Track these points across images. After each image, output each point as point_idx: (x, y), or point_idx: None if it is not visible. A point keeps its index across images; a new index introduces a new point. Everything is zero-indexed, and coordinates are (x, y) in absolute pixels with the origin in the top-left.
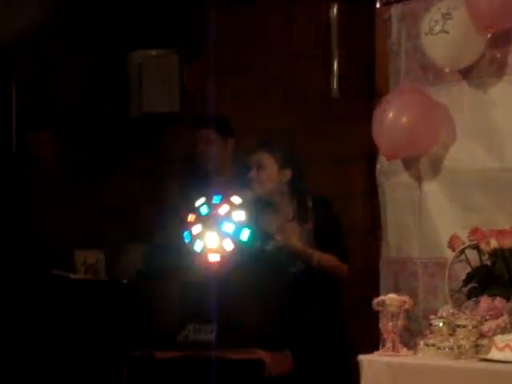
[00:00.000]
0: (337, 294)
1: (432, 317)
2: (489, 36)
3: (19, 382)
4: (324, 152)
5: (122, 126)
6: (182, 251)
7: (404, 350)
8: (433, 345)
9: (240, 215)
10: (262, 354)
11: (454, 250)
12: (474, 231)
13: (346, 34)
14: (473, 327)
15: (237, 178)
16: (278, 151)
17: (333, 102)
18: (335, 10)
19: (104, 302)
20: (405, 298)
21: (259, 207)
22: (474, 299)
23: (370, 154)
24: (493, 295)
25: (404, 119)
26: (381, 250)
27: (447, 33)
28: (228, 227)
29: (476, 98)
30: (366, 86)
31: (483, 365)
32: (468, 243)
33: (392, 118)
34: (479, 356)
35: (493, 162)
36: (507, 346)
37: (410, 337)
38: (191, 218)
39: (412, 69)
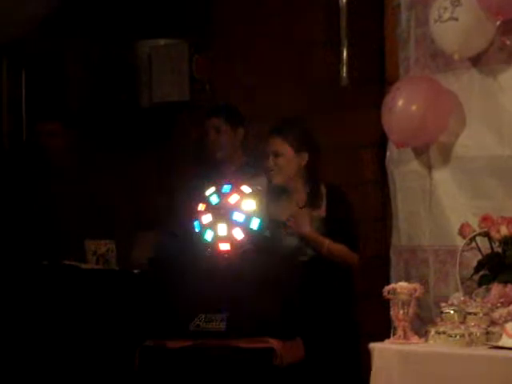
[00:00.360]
0: (347, 282)
1: (443, 304)
2: (498, 23)
3: (31, 373)
4: (334, 140)
5: (132, 116)
6: (193, 240)
7: (415, 338)
8: (444, 332)
9: (250, 204)
10: (273, 343)
11: (464, 238)
12: (485, 218)
13: (355, 21)
14: (484, 314)
15: (249, 166)
16: (292, 136)
17: (343, 90)
18: None
19: (115, 292)
20: (416, 285)
21: (273, 195)
22: (484, 286)
23: (381, 141)
24: (504, 282)
25: (413, 107)
26: (391, 238)
27: (456, 20)
28: (238, 216)
29: (485, 85)
30: (376, 74)
31: (494, 352)
32: (479, 231)
33: (401, 105)
34: (490, 343)
35: (503, 148)
36: None
37: (421, 324)
38: (201, 207)
39: (421, 56)
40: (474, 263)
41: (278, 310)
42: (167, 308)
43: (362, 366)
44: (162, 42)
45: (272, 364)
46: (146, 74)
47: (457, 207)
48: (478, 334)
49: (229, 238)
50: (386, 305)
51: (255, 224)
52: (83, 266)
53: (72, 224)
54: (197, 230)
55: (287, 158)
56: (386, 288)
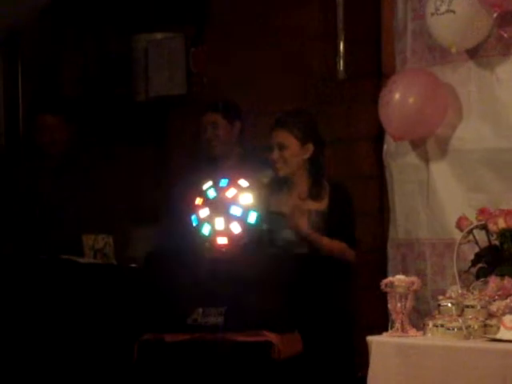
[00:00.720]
0: (345, 276)
1: (440, 297)
2: (495, 15)
3: (29, 368)
4: (331, 133)
5: (128, 110)
6: (191, 235)
7: (413, 331)
8: (441, 325)
9: (247, 198)
10: (270, 337)
11: (462, 231)
12: (482, 211)
13: (352, 15)
14: (481, 307)
15: (249, 160)
16: (297, 128)
17: (339, 84)
18: None
19: (113, 286)
20: (413, 278)
21: (275, 186)
22: (482, 279)
23: (378, 134)
24: (501, 275)
25: (410, 100)
26: (389, 231)
27: (453, 12)
28: (235, 210)
29: (482, 78)
30: (373, 67)
31: (492, 345)
32: (476, 223)
33: (398, 98)
34: (488, 336)
35: (500, 141)
36: None
37: (419, 317)
38: (199, 201)
39: (418, 49)
40: (472, 256)
41: (276, 303)
42: (165, 302)
43: (361, 358)
44: (158, 35)
45: (270, 358)
46: (143, 68)
47: (454, 200)
48: (476, 326)
49: (226, 232)
50: (383, 298)
51: (253, 218)
52: (81, 260)
53: (69, 218)
54: (194, 224)
55: (292, 150)
56: (384, 281)
